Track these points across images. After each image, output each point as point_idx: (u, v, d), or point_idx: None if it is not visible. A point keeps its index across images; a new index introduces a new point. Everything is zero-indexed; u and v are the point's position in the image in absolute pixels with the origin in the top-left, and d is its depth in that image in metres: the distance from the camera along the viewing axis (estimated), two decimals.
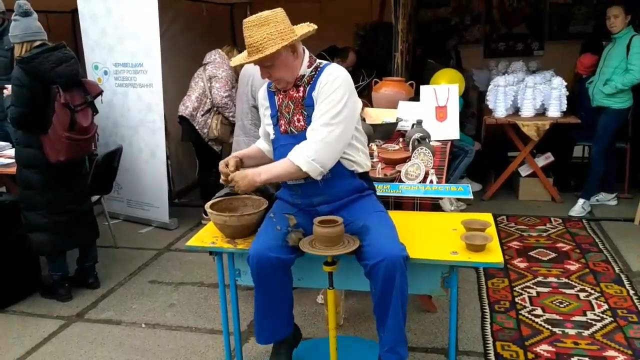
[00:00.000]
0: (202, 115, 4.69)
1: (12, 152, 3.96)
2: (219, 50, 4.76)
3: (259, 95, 2.37)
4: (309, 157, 2.07)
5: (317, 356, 2.60)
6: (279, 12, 2.07)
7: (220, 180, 2.28)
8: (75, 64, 3.37)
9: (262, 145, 2.48)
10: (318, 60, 2.22)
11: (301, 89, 2.17)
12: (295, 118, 2.18)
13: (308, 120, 2.15)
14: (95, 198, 4.16)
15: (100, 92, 3.62)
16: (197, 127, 4.71)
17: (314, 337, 3.04)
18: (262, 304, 2.24)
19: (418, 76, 5.21)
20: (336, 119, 2.08)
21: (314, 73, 2.17)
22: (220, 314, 2.59)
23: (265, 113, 2.32)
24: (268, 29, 2.02)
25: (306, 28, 2.14)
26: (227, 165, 2.25)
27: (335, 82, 2.10)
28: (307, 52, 2.21)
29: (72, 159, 3.42)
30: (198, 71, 4.77)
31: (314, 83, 2.15)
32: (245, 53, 2.13)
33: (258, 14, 2.05)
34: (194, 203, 5.37)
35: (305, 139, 2.13)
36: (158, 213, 4.90)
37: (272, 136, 2.29)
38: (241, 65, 2.44)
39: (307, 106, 2.15)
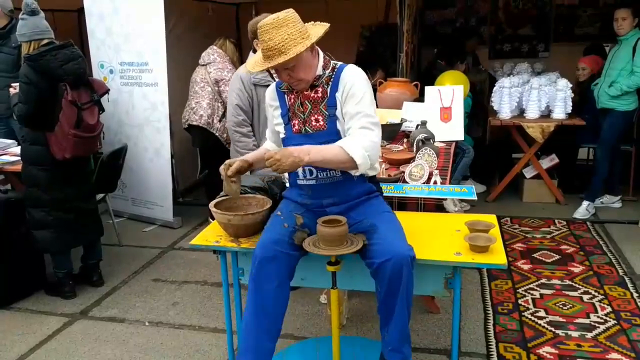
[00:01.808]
0: (220, 122, 4.67)
1: (17, 149, 3.99)
2: (214, 47, 4.69)
3: (267, 96, 2.35)
4: (366, 151, 2.06)
5: (319, 356, 2.61)
6: (293, 13, 2.05)
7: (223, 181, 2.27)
8: (83, 62, 3.39)
9: (270, 146, 2.46)
10: (333, 61, 2.22)
11: (319, 89, 2.16)
12: (312, 118, 2.17)
13: (329, 121, 2.15)
14: (100, 196, 4.18)
15: (107, 91, 3.64)
16: (216, 134, 4.69)
17: (316, 336, 3.04)
18: (254, 312, 2.11)
19: (431, 78, 5.18)
20: (377, 119, 2.14)
21: (331, 74, 2.16)
22: (224, 313, 2.60)
23: (274, 113, 2.31)
24: (287, 29, 1.99)
25: (320, 27, 2.12)
26: (228, 168, 2.23)
27: (362, 83, 2.13)
28: (321, 52, 2.21)
29: (78, 157, 3.43)
30: (199, 73, 4.70)
31: (335, 84, 2.14)
32: (260, 56, 2.10)
33: (272, 16, 2.01)
34: (198, 202, 5.39)
35: (321, 139, 2.14)
36: (162, 212, 4.91)
37: (282, 135, 2.28)
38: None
39: (329, 106, 2.15)
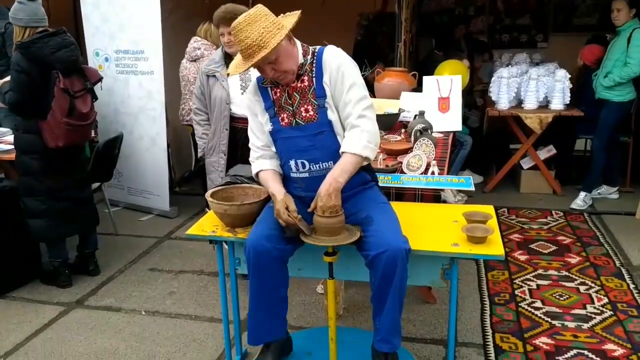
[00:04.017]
0: None
1: (11, 138, 3.95)
2: (198, 38, 4.53)
3: (249, 93, 2.28)
4: (370, 143, 2.09)
5: (315, 346, 2.60)
6: (263, 7, 2.03)
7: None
8: (75, 49, 3.35)
9: (273, 166, 2.30)
10: (310, 47, 2.19)
11: (305, 78, 2.13)
12: (302, 109, 2.14)
13: (320, 111, 2.12)
14: (95, 185, 4.16)
15: (100, 79, 3.62)
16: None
17: (313, 326, 3.04)
18: (256, 298, 2.18)
19: (429, 68, 5.13)
20: (370, 101, 2.14)
21: (312, 59, 2.14)
22: (220, 303, 2.59)
23: (257, 107, 2.25)
24: (261, 23, 1.97)
25: (292, 16, 2.09)
26: (287, 209, 2.10)
27: (347, 64, 2.11)
28: (298, 41, 2.17)
29: (71, 145, 3.40)
30: (191, 71, 4.46)
31: (319, 69, 2.11)
32: (239, 57, 2.07)
33: (242, 15, 1.99)
34: (195, 191, 5.36)
35: (313, 130, 2.12)
36: (158, 201, 4.89)
37: (268, 128, 2.22)
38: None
39: (318, 97, 2.12)
